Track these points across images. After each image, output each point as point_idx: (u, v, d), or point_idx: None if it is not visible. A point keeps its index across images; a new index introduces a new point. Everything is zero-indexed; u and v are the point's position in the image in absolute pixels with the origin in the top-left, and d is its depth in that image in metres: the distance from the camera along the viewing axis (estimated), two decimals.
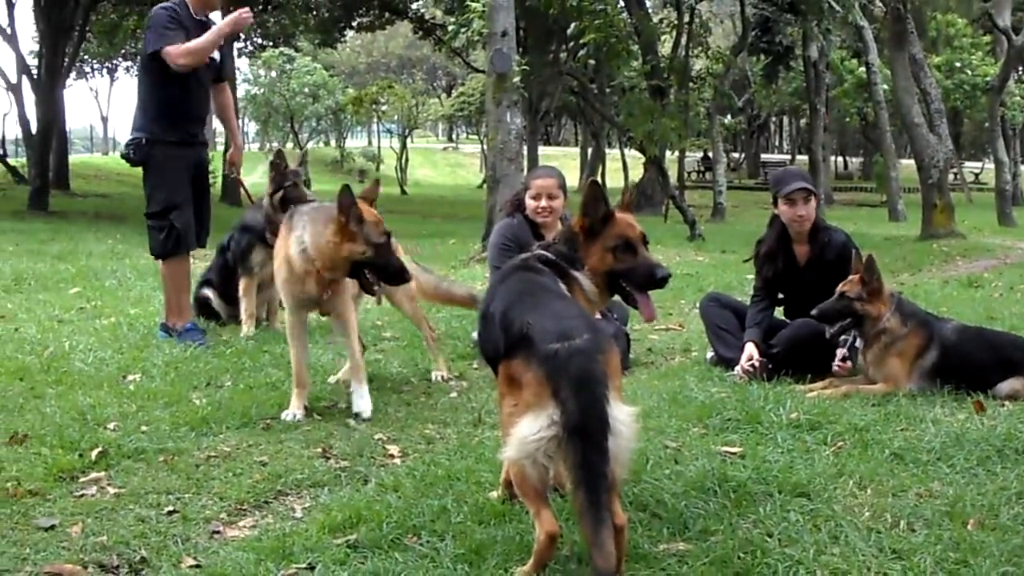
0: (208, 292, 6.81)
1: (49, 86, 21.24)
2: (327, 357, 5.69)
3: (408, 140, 46.03)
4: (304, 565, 2.82)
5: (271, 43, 35.90)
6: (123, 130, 61.43)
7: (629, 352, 5.91)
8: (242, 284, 6.54)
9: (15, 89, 26.32)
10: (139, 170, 6.11)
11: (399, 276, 4.44)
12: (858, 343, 5.20)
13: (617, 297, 3.44)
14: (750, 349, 5.41)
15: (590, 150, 43.18)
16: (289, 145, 45.71)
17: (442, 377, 5.37)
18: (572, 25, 17.63)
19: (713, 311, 5.89)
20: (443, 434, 4.28)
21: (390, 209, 12.99)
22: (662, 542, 2.97)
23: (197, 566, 2.84)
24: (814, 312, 5.16)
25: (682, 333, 7.02)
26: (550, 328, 2.73)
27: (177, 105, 5.96)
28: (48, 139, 20.80)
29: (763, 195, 26.52)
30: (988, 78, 30.62)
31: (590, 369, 2.63)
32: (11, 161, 29.24)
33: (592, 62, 22.09)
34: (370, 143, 57.81)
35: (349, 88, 48.48)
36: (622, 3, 20.77)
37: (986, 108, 27.29)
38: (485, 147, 18.58)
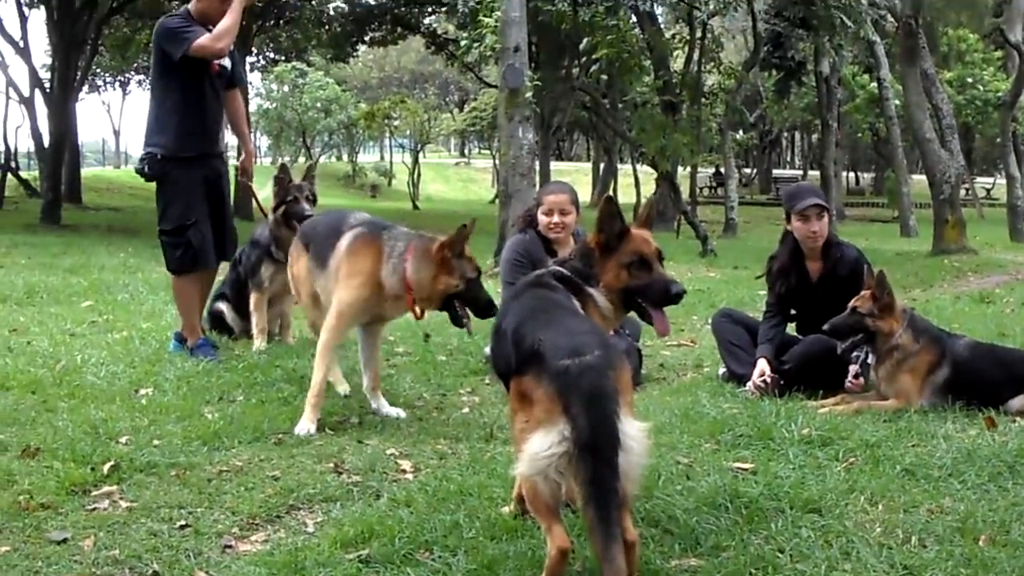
0: (222, 306, 6.82)
1: (61, 99, 21.33)
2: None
3: (420, 155, 46.09)
4: None
5: (283, 58, 36.03)
6: (135, 143, 61.68)
7: (641, 368, 5.91)
8: (253, 299, 6.54)
9: (28, 102, 26.37)
10: (152, 184, 6.10)
11: (487, 310, 4.50)
12: (870, 359, 5.19)
13: (631, 313, 3.44)
14: (762, 365, 5.40)
15: (602, 165, 43.20)
16: (301, 159, 45.80)
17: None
18: (584, 40, 17.62)
19: (725, 327, 5.88)
20: (455, 449, 4.28)
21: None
22: (674, 558, 2.98)
23: None
24: (826, 327, 5.15)
25: (694, 349, 7.01)
26: (561, 344, 2.74)
27: (192, 118, 5.93)
28: (60, 152, 20.91)
29: (775, 211, 26.53)
30: (1000, 93, 30.49)
31: (601, 385, 2.63)
32: (23, 174, 29.34)
33: (604, 77, 22.08)
34: (382, 158, 57.84)
35: (361, 103, 48.55)
36: (634, 19, 20.79)
37: (998, 123, 27.15)
38: (497, 162, 18.62)
